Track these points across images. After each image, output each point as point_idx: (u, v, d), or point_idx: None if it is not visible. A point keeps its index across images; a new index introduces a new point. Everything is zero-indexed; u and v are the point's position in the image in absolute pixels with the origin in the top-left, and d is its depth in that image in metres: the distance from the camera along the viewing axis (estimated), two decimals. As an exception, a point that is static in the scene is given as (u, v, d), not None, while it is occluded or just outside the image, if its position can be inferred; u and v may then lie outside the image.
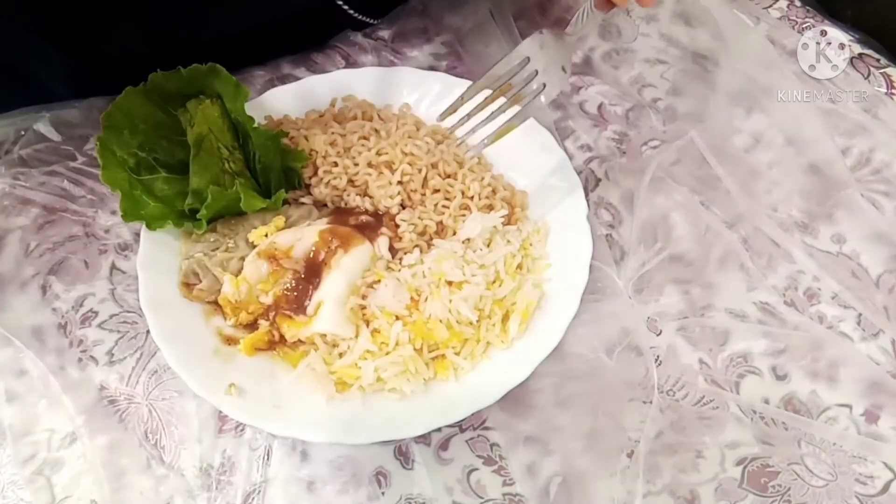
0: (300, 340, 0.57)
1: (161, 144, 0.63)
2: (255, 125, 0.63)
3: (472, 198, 0.64)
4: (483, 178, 0.65)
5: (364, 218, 0.61)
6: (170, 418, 0.58)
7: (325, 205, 0.64)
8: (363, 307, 0.57)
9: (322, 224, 0.60)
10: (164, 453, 0.56)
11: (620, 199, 0.68)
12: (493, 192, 0.65)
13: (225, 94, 0.63)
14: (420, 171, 0.64)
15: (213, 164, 0.61)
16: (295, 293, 0.57)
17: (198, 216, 0.60)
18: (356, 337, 0.56)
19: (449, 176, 0.65)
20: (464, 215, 0.63)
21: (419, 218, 0.62)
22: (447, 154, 0.66)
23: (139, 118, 0.63)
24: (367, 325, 0.57)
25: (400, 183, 0.64)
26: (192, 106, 0.63)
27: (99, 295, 0.64)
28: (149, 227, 0.60)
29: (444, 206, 0.63)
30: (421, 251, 0.61)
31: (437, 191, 0.64)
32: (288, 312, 0.57)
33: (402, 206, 0.63)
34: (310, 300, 0.57)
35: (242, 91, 0.63)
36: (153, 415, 0.58)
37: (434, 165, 0.65)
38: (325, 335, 0.56)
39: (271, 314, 0.57)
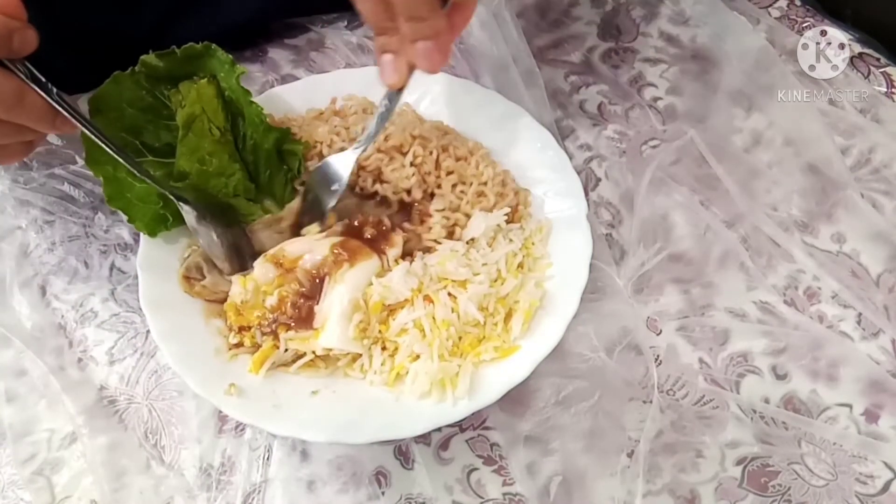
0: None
1: (147, 128, 0.62)
2: (252, 100, 0.62)
3: (485, 183, 0.64)
4: (495, 166, 0.65)
5: (371, 232, 0.60)
6: (170, 418, 0.58)
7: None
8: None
9: (335, 237, 0.60)
10: (164, 453, 0.56)
11: (620, 199, 0.68)
12: (504, 182, 0.65)
13: (220, 72, 0.63)
14: (431, 153, 0.64)
15: (201, 145, 0.60)
16: (297, 306, 0.56)
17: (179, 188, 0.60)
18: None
19: (461, 159, 0.65)
20: (480, 201, 0.63)
21: (451, 210, 0.62)
22: (457, 140, 0.66)
23: (126, 102, 0.62)
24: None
25: (413, 165, 0.63)
26: (185, 87, 0.62)
27: (99, 295, 0.64)
28: (131, 218, 0.60)
29: (461, 192, 0.63)
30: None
31: (451, 172, 0.64)
32: (290, 322, 0.56)
33: (425, 193, 0.63)
34: (314, 313, 0.56)
35: (237, 68, 0.62)
36: (153, 415, 0.58)
37: (444, 148, 0.65)
38: (330, 350, 0.56)
39: (273, 323, 0.57)
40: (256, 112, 0.62)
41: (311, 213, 0.62)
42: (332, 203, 0.61)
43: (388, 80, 0.55)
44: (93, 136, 0.54)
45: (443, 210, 0.62)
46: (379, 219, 0.61)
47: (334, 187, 0.61)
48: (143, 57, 0.62)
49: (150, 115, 0.63)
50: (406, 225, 0.62)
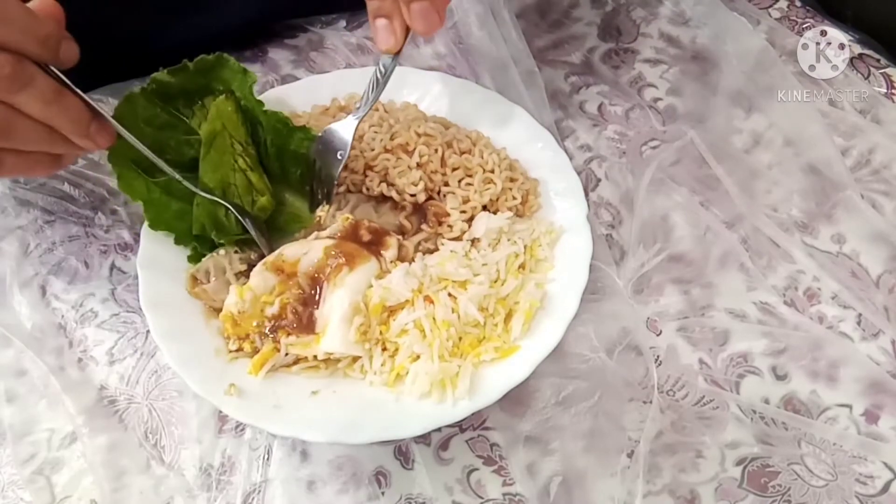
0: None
1: (169, 145, 0.61)
2: (265, 108, 0.62)
3: (492, 170, 0.64)
4: (500, 152, 0.65)
5: (367, 235, 0.60)
6: (170, 418, 0.58)
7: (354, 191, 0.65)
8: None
9: (329, 240, 0.60)
10: (164, 453, 0.56)
11: (620, 199, 0.68)
12: (512, 167, 0.65)
13: (233, 81, 0.62)
14: (436, 150, 0.64)
15: (223, 162, 0.60)
16: (297, 312, 0.56)
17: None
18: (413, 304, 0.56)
19: (465, 152, 0.65)
20: (489, 188, 0.63)
21: (465, 202, 0.62)
22: (459, 134, 0.66)
23: (143, 121, 0.61)
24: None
25: (419, 165, 0.63)
26: (210, 102, 0.62)
27: (99, 295, 0.64)
28: (178, 240, 0.61)
29: (468, 184, 0.63)
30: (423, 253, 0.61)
31: (456, 168, 0.64)
32: (290, 328, 0.56)
33: (433, 193, 0.63)
34: (314, 318, 0.56)
35: (250, 76, 0.62)
36: (153, 415, 0.58)
37: (449, 144, 0.65)
38: (331, 354, 0.56)
39: (273, 327, 0.56)
40: (277, 118, 0.62)
41: (320, 181, 0.62)
42: (338, 171, 0.62)
43: (384, 45, 0.55)
44: (132, 142, 0.54)
45: (457, 207, 0.62)
46: (371, 222, 0.61)
47: (339, 154, 0.61)
48: (154, 75, 0.61)
49: (168, 132, 0.62)
50: (424, 227, 0.62)
